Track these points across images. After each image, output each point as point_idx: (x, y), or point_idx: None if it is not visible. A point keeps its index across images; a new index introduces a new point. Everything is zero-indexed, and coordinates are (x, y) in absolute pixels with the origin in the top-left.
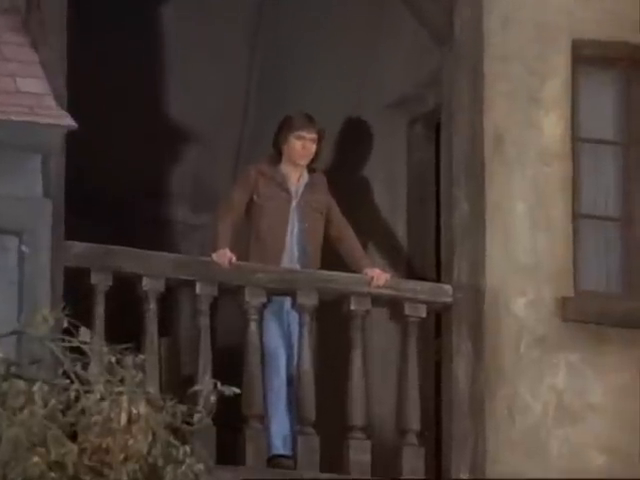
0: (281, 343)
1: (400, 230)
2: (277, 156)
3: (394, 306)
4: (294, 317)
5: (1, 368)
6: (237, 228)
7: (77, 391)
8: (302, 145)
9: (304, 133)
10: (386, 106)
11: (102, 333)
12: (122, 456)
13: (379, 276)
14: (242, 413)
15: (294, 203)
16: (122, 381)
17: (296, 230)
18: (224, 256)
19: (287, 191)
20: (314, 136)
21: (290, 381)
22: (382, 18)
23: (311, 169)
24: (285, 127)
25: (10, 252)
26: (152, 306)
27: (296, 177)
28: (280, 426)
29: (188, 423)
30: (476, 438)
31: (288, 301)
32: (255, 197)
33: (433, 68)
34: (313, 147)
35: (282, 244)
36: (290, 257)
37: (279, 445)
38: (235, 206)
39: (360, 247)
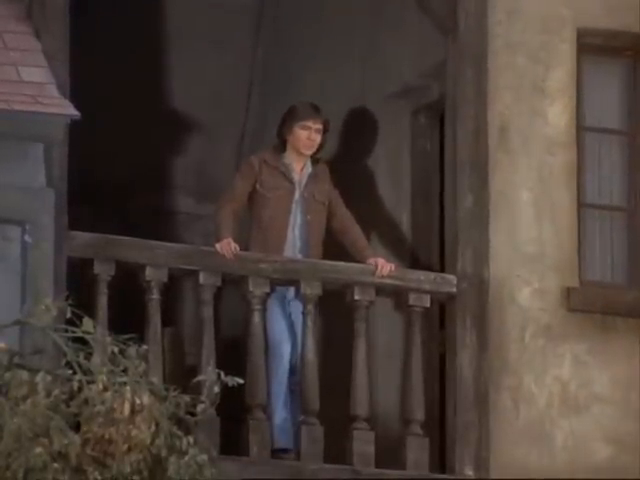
0: (285, 333)
1: (404, 220)
2: (281, 146)
3: (398, 296)
4: (295, 307)
5: (4, 358)
6: (239, 218)
7: (80, 381)
8: (307, 135)
9: (310, 123)
10: (390, 96)
11: (105, 323)
12: (125, 446)
13: (383, 265)
14: (246, 403)
15: (297, 194)
16: (125, 371)
17: (299, 221)
18: (228, 246)
19: (290, 181)
20: (319, 126)
21: (293, 371)
22: (386, 7)
23: (314, 160)
24: (290, 117)
25: (13, 242)
26: (155, 296)
27: (299, 167)
28: (281, 419)
29: (192, 414)
30: (480, 429)
31: (290, 291)
32: (258, 186)
33: (437, 58)
34: (318, 137)
35: (284, 234)
36: (292, 248)
37: (279, 439)
38: (237, 196)
39: (363, 237)
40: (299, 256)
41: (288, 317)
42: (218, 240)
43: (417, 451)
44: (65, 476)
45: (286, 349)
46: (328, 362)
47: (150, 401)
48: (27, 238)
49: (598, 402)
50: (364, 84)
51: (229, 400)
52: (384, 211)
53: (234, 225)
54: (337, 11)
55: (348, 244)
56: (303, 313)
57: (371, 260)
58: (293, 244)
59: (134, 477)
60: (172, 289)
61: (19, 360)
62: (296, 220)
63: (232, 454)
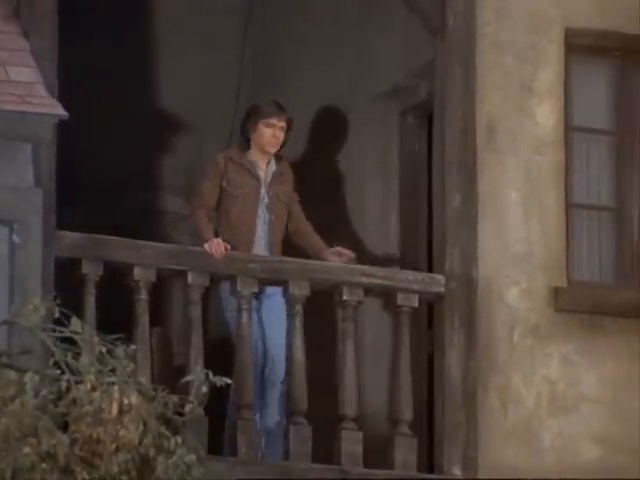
0: (258, 334)
1: (392, 220)
2: (246, 144)
3: (386, 296)
4: (267, 306)
5: None
6: (212, 221)
7: (68, 381)
8: (272, 133)
9: (274, 120)
10: (378, 96)
11: (93, 323)
12: (113, 446)
13: (341, 252)
14: (234, 403)
15: (263, 190)
16: (113, 371)
17: (266, 219)
18: (219, 246)
19: (257, 178)
20: (283, 124)
21: (270, 371)
22: (374, 7)
23: (278, 157)
24: (254, 114)
25: (1, 242)
26: (143, 296)
27: (264, 163)
28: None
29: (180, 414)
30: (468, 429)
31: (270, 290)
32: (224, 184)
33: (426, 58)
34: (282, 135)
35: (253, 230)
36: (261, 246)
37: None
38: (206, 200)
39: (319, 238)
40: (267, 254)
41: (260, 319)
42: (204, 241)
43: (405, 451)
44: (53, 476)
45: (260, 351)
46: (316, 362)
47: (138, 401)
48: (15, 238)
49: (586, 402)
50: (352, 84)
51: (217, 400)
52: (372, 211)
53: (211, 226)
54: (325, 11)
55: (306, 246)
56: (291, 314)
57: (333, 250)
58: (261, 241)
59: (122, 477)
60: (160, 289)
61: (7, 360)
62: (264, 216)
63: (220, 454)
